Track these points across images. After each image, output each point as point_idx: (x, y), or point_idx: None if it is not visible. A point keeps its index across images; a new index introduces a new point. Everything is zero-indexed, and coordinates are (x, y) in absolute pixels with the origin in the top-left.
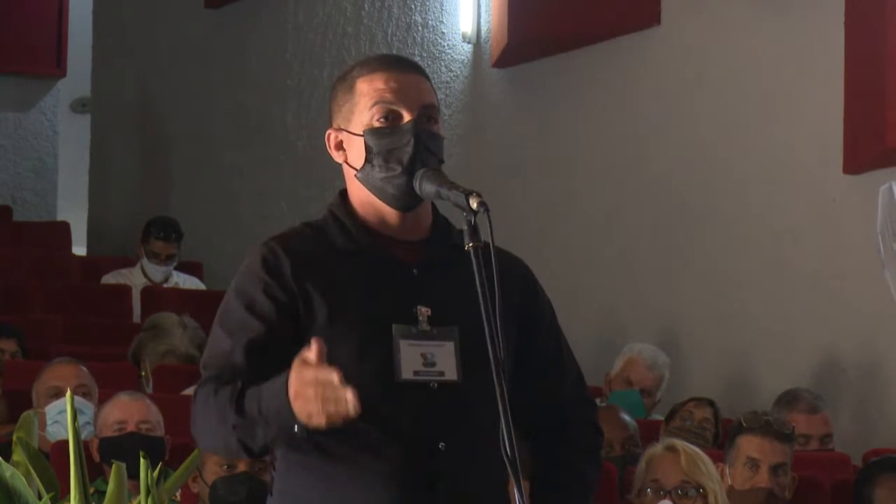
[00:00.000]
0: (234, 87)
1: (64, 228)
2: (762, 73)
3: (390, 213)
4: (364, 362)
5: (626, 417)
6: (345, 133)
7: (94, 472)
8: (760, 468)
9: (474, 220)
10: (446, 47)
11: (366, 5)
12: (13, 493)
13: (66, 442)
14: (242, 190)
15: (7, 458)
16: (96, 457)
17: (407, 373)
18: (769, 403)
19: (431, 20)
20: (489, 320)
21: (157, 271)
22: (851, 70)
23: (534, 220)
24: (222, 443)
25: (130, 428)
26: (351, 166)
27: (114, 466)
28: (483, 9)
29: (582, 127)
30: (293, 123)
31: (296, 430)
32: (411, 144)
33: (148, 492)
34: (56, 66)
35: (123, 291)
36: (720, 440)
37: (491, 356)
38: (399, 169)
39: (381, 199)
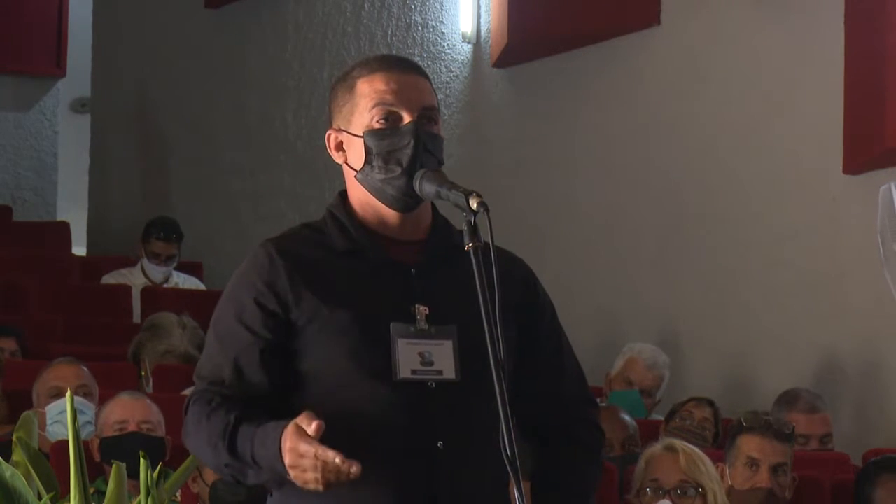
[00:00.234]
0: (234, 87)
1: (64, 228)
2: (762, 73)
3: (390, 214)
4: (362, 361)
5: (626, 417)
6: (345, 134)
7: (94, 472)
8: (760, 468)
9: (474, 220)
10: (446, 47)
11: (365, 5)
12: (13, 493)
13: (66, 442)
14: (242, 190)
15: (7, 458)
16: (97, 456)
17: (405, 372)
18: (769, 403)
19: (431, 20)
20: (489, 320)
21: (157, 271)
22: (851, 70)
23: (534, 220)
24: (215, 468)
25: (131, 428)
26: (351, 167)
27: (114, 466)
28: (483, 9)
29: (582, 127)
30: (293, 123)
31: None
32: (411, 146)
33: (148, 492)
34: (56, 66)
35: (123, 291)
36: (720, 440)
37: (491, 356)
38: (399, 170)
39: (380, 200)
